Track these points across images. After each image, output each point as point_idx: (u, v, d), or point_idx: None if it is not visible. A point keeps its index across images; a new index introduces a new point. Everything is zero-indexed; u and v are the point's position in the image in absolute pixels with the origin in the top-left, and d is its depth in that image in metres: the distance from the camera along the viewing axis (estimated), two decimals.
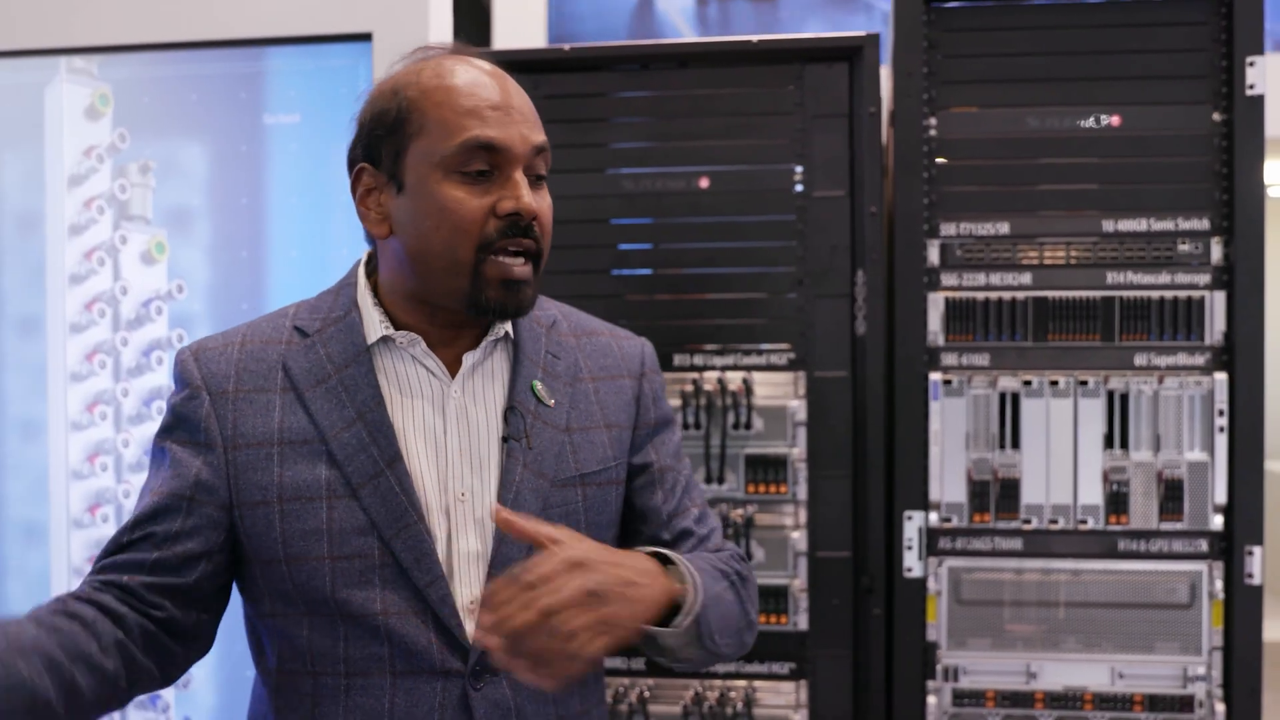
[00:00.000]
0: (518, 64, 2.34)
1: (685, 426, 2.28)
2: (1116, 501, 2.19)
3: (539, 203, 1.37)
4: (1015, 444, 2.21)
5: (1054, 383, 2.20)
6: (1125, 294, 2.20)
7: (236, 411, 1.36)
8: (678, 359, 2.31)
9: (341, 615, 1.33)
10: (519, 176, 1.34)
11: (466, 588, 1.37)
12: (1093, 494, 2.19)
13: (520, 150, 1.34)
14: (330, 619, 1.34)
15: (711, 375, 2.29)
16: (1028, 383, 2.20)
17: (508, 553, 1.38)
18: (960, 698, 2.21)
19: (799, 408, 2.28)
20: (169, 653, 1.36)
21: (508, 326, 1.46)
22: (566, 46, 2.32)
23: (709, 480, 2.26)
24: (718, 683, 2.29)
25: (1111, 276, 2.21)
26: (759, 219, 2.31)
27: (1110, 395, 2.19)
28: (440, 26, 2.37)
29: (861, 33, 2.25)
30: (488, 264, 1.34)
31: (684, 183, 2.32)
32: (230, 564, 1.40)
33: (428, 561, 1.34)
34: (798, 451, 2.28)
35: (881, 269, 2.25)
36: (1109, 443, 2.19)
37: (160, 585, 1.35)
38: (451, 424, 1.40)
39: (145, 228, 2.49)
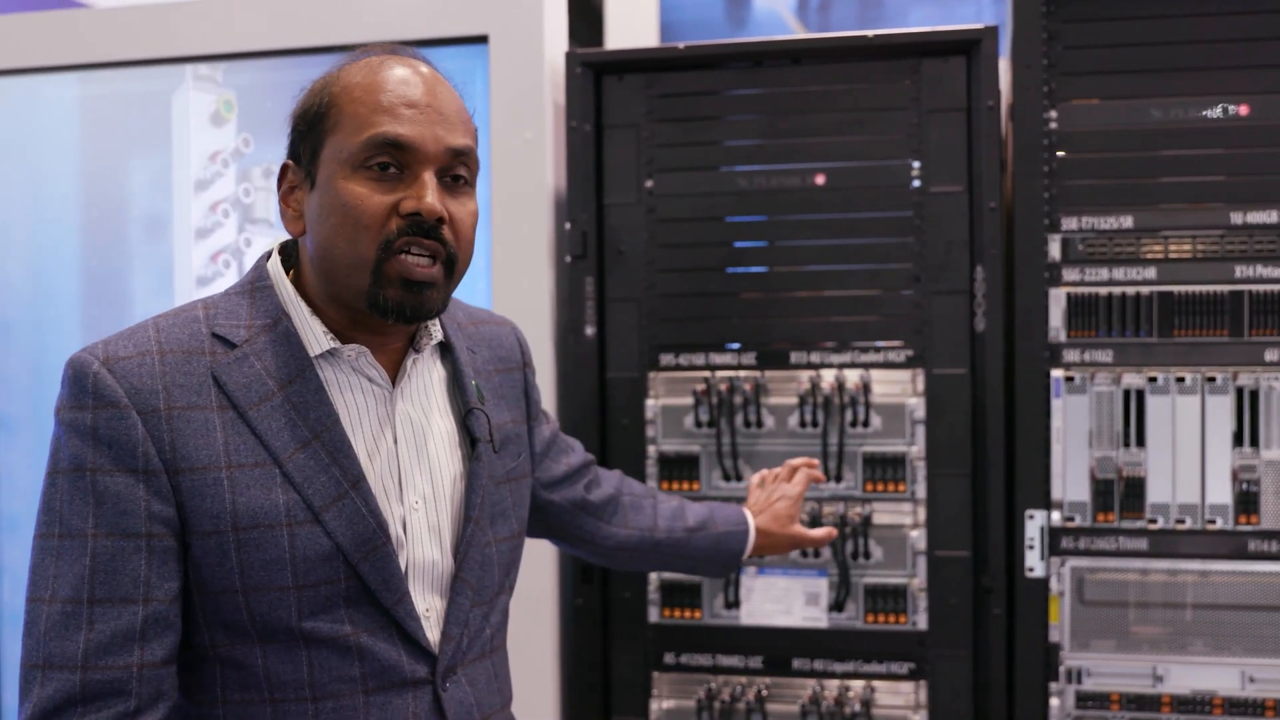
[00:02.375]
0: (631, 63, 2.37)
1: (802, 425, 2.28)
2: (1246, 501, 2.13)
3: (456, 207, 1.31)
4: (1140, 442, 2.16)
5: (1180, 379, 2.15)
6: (1255, 288, 2.14)
7: (173, 431, 1.24)
8: (794, 357, 2.31)
9: (307, 641, 1.27)
10: (428, 177, 1.28)
11: (422, 595, 1.35)
12: (1221, 493, 2.14)
13: (432, 150, 1.29)
14: (290, 645, 1.27)
15: (828, 373, 2.28)
16: (1153, 379, 2.16)
17: (475, 557, 1.40)
18: (1084, 700, 2.17)
19: (917, 405, 2.26)
20: None
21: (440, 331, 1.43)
22: (680, 45, 2.32)
23: (826, 478, 2.25)
24: (835, 682, 2.28)
25: (1240, 270, 2.15)
26: (875, 215, 2.29)
27: (1239, 392, 2.14)
28: (555, 27, 2.38)
29: (979, 25, 2.22)
30: (390, 263, 1.28)
31: (799, 179, 2.31)
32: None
33: (395, 580, 1.31)
34: (916, 450, 2.26)
35: (1000, 264, 2.22)
36: (1238, 440, 2.14)
37: (165, 655, 1.25)
38: (401, 433, 1.37)
39: (269, 231, 2.55)
